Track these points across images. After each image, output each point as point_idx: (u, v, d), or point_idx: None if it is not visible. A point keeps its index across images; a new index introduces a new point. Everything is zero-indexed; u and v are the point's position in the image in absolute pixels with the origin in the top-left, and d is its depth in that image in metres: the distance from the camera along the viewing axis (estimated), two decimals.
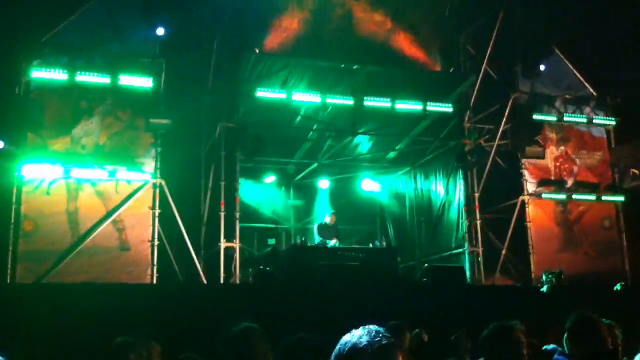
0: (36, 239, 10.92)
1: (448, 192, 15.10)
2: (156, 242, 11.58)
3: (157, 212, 11.76)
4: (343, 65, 13.23)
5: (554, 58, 15.22)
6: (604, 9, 14.39)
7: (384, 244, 14.83)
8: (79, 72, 11.43)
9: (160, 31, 12.28)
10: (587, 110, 15.27)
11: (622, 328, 5.75)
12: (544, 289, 11.76)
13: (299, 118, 14.10)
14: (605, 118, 15.30)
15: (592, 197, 14.76)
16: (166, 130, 11.95)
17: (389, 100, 13.43)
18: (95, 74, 11.57)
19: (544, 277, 12.23)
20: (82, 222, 11.26)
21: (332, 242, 13.72)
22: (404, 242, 16.40)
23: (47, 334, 8.56)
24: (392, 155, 16.42)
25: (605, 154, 15.35)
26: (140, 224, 11.60)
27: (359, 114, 13.74)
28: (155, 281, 11.35)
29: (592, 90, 15.53)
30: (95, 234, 11.22)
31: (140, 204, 11.71)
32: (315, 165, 16.03)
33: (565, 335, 4.48)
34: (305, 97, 13.04)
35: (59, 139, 11.45)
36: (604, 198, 14.82)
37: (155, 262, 11.49)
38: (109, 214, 11.41)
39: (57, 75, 11.37)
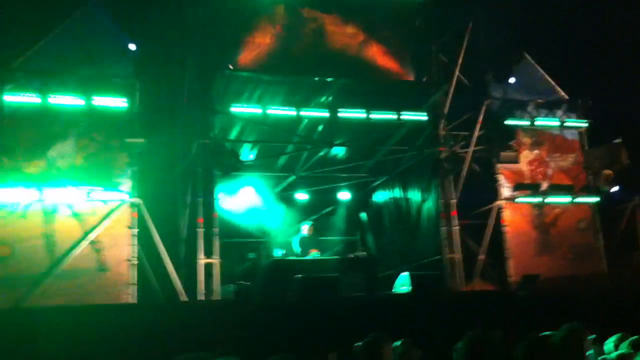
0: (12, 263, 10.82)
1: (425, 199, 15.23)
2: (135, 262, 11.55)
3: (135, 231, 11.74)
4: (317, 79, 13.37)
5: (524, 63, 15.44)
6: (573, 13, 14.68)
7: (364, 253, 14.92)
8: (51, 95, 11.43)
9: (132, 46, 12.34)
10: (559, 113, 15.47)
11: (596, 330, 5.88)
12: (521, 292, 11.91)
13: (274, 132, 14.17)
14: (577, 120, 15.51)
15: (567, 199, 14.94)
16: (142, 149, 11.97)
17: (363, 111, 13.58)
18: (68, 96, 11.57)
19: (521, 281, 12.40)
20: (59, 244, 11.20)
21: (312, 254, 13.82)
22: (384, 251, 16.50)
23: (27, 358, 8.56)
24: (368, 165, 16.55)
25: (578, 156, 15.55)
26: (118, 244, 11.57)
27: (334, 126, 13.86)
28: (135, 301, 11.31)
29: (563, 94, 15.76)
30: (72, 255, 11.17)
31: (118, 224, 11.68)
32: (293, 177, 16.12)
33: None
34: (280, 111, 13.16)
35: (33, 162, 11.39)
36: (578, 199, 15.01)
37: (135, 282, 11.45)
38: (86, 235, 11.38)
39: (29, 99, 11.36)
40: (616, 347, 6.37)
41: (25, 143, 11.42)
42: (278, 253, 13.86)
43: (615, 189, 14.90)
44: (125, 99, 11.99)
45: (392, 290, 12.57)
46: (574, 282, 13.98)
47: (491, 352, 4.05)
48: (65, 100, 11.60)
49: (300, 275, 11.55)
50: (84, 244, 11.30)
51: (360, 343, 7.18)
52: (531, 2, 14.13)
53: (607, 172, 14.96)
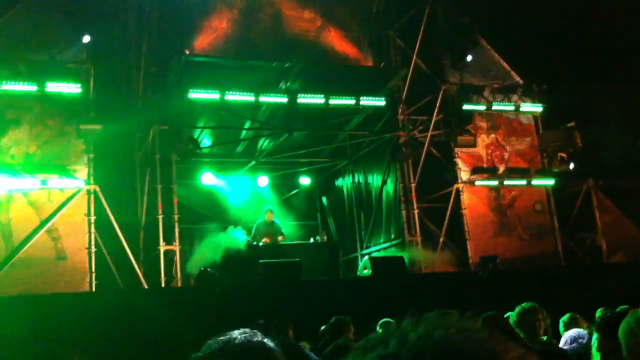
0: None
1: (385, 183, 15.37)
2: (93, 250, 11.40)
3: (93, 218, 11.57)
4: (275, 64, 13.31)
5: (480, 48, 15.61)
6: None
7: (325, 238, 14.98)
8: (3, 82, 11.12)
9: (86, 39, 12.07)
10: (515, 97, 15.70)
11: (551, 307, 6.02)
12: (481, 273, 12.13)
13: (233, 117, 14.08)
14: (532, 105, 15.75)
15: (523, 182, 15.21)
16: (97, 136, 11.75)
17: (322, 96, 13.57)
18: (21, 83, 11.27)
19: (481, 262, 12.61)
20: (15, 233, 10.98)
21: (272, 239, 13.79)
22: (345, 235, 16.59)
23: None
24: (328, 150, 16.58)
25: (533, 139, 15.83)
26: (76, 232, 11.40)
27: (293, 111, 13.83)
28: (94, 289, 11.16)
29: (518, 78, 16.00)
30: (29, 244, 10.96)
31: (75, 211, 11.49)
32: (253, 163, 16.06)
33: None
34: (238, 97, 13.05)
35: None
36: (534, 182, 15.30)
37: (93, 270, 11.30)
38: (42, 224, 11.16)
39: None
40: (566, 326, 6.57)
41: None
42: (240, 239, 13.79)
43: (572, 166, 15.19)
44: (79, 85, 11.74)
45: (357, 274, 12.65)
46: (530, 262, 14.29)
47: None
48: (17, 86, 11.30)
49: (263, 260, 11.55)
50: (41, 232, 11.08)
51: (325, 327, 7.25)
52: None
53: (561, 154, 15.27)
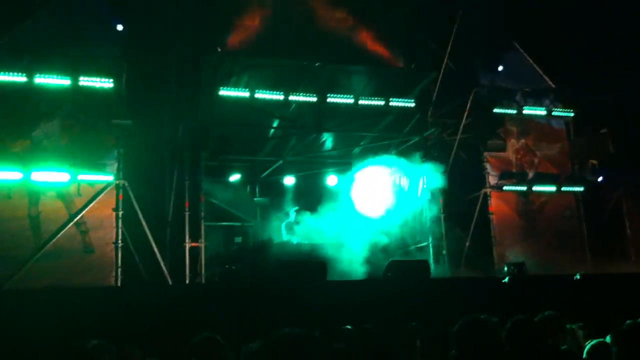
0: None
1: (412, 186, 15.25)
2: (120, 244, 11.50)
3: (121, 213, 11.67)
4: (305, 63, 13.30)
5: (513, 52, 15.46)
6: (563, 1, 14.67)
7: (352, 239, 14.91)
8: (37, 75, 11.28)
9: (120, 27, 12.20)
10: (546, 102, 15.51)
11: (581, 317, 5.94)
12: (506, 280, 11.98)
13: (262, 116, 14.11)
14: (563, 110, 15.56)
15: (553, 188, 15.03)
16: (128, 131, 11.86)
17: (351, 96, 13.55)
18: (55, 76, 11.42)
19: (505, 269, 12.46)
20: (44, 225, 11.13)
21: (299, 238, 13.81)
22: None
23: (11, 340, 8.50)
24: (356, 151, 16.53)
25: (564, 145, 15.64)
26: (104, 226, 11.51)
27: (322, 111, 13.83)
28: (119, 283, 11.27)
29: (550, 83, 15.79)
30: (58, 237, 11.09)
31: (103, 205, 11.60)
32: (280, 162, 16.07)
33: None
34: (268, 95, 13.09)
35: (18, 142, 11.28)
36: (563, 188, 15.11)
37: (120, 264, 11.40)
38: (71, 217, 11.30)
39: (15, 78, 11.21)
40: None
41: (10, 122, 11.28)
42: (263, 238, 13.84)
43: (600, 179, 14.99)
44: (111, 80, 11.84)
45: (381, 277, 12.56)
46: (557, 269, 14.08)
47: (486, 336, 4.08)
48: (51, 80, 11.45)
49: (286, 259, 11.55)
50: (69, 225, 11.21)
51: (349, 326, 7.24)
52: None
53: (593, 161, 15.07)
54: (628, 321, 6.46)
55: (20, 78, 11.25)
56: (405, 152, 15.60)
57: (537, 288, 11.36)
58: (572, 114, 15.58)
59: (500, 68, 14.81)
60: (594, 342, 6.14)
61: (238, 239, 15.36)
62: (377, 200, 16.80)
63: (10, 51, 11.37)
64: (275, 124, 14.72)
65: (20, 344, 8.22)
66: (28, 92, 11.38)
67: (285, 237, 14.07)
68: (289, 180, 16.53)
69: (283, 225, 14.37)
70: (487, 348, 4.12)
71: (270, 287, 10.54)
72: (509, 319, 4.69)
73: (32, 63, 11.33)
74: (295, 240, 13.87)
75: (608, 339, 6.12)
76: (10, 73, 11.23)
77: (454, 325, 4.49)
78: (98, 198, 11.56)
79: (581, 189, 15.17)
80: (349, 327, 7.19)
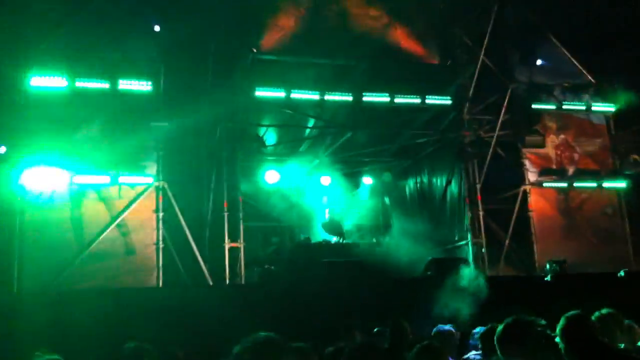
0: (41, 247, 10.88)
1: (449, 184, 15.15)
2: (161, 245, 11.60)
3: (161, 214, 11.78)
4: (340, 62, 13.28)
5: (550, 46, 15.22)
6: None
7: (388, 238, 14.89)
8: (78, 78, 11.44)
9: (157, 27, 12.32)
10: (586, 97, 15.26)
11: (625, 314, 5.82)
12: (548, 277, 11.83)
13: (298, 115, 14.13)
14: (604, 104, 15.28)
15: (593, 184, 14.78)
16: (167, 133, 11.98)
17: (387, 94, 13.49)
18: (94, 80, 11.58)
19: (547, 266, 12.30)
20: (87, 228, 11.26)
21: (335, 239, 13.82)
22: (408, 235, 16.40)
23: (56, 341, 8.64)
24: (393, 149, 16.47)
25: (605, 140, 15.35)
26: (145, 228, 11.63)
27: (358, 109, 13.79)
28: (161, 284, 11.39)
29: (589, 77, 15.52)
30: (100, 239, 11.24)
31: (144, 207, 11.72)
32: (317, 161, 16.08)
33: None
34: (303, 95, 13.10)
35: (60, 146, 11.44)
36: (605, 185, 14.84)
37: (161, 265, 11.51)
38: (113, 219, 11.42)
39: (56, 82, 11.38)
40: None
41: (52, 126, 11.43)
42: (301, 238, 13.87)
43: None
44: (150, 82, 11.98)
45: (418, 275, 12.51)
46: (599, 267, 13.84)
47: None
48: (91, 83, 11.61)
49: (325, 260, 11.56)
50: (111, 227, 11.35)
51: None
52: None
53: (635, 156, 14.78)
54: None
55: (62, 82, 11.41)
56: (442, 149, 15.50)
57: (581, 286, 11.19)
58: (612, 109, 15.28)
59: (539, 62, 14.58)
60: None
61: (275, 240, 15.44)
62: (413, 200, 16.79)
63: (51, 55, 11.55)
64: (310, 124, 14.71)
65: (66, 344, 8.37)
66: (70, 96, 11.53)
67: (322, 237, 14.09)
68: (326, 180, 16.55)
69: (320, 225, 14.39)
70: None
71: (313, 287, 10.55)
72: (556, 317, 4.60)
73: (73, 67, 11.50)
74: (332, 240, 13.87)
75: None
76: (52, 77, 11.39)
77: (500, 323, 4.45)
78: (139, 200, 11.68)
79: (623, 184, 14.88)
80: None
